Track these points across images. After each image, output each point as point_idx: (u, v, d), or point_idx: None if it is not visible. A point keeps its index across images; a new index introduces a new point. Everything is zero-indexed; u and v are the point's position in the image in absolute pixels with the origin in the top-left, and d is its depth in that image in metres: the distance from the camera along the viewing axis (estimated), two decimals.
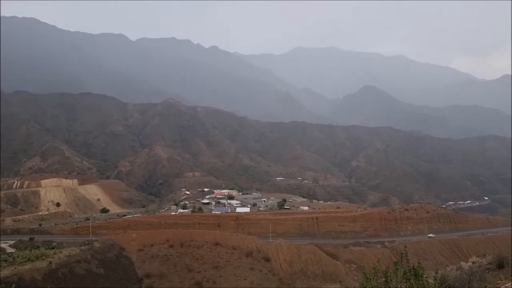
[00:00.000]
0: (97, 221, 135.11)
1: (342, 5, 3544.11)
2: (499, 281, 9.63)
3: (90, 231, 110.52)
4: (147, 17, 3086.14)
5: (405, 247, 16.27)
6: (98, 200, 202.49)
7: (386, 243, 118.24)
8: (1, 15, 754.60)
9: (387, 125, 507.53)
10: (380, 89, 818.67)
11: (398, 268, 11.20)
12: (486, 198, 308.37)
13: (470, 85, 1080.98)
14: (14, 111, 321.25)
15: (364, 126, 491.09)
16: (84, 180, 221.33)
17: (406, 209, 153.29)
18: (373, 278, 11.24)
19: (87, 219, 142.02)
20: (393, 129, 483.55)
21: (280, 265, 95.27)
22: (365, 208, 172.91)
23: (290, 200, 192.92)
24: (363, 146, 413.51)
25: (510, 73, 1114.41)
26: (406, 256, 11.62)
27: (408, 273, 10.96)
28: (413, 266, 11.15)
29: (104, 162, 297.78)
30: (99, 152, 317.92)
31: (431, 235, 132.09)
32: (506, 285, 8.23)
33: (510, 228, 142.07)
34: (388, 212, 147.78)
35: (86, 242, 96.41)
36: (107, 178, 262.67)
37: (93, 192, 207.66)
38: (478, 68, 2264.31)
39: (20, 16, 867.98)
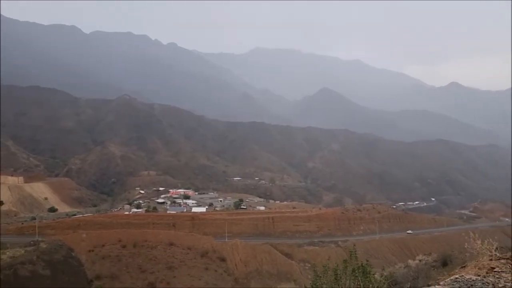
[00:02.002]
0: (44, 221, 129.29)
1: (302, 8, 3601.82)
2: (440, 277, 10.01)
3: (37, 231, 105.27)
4: (102, 9, 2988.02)
5: (354, 245, 16.69)
6: (46, 198, 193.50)
7: (340, 243, 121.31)
8: None
9: (343, 127, 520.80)
10: (337, 92, 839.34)
11: (347, 266, 11.40)
12: (433, 199, 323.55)
13: (420, 91, 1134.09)
14: None
15: (321, 128, 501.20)
16: (31, 178, 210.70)
17: (359, 210, 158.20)
18: (323, 275, 11.38)
19: (33, 218, 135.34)
20: (349, 131, 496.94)
21: (236, 265, 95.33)
22: (320, 209, 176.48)
23: (247, 200, 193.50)
24: (319, 148, 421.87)
25: (458, 81, 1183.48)
26: (355, 254, 11.86)
27: (356, 271, 11.17)
28: (362, 264, 11.39)
29: (53, 159, 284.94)
30: (48, 149, 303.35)
31: (409, 231, 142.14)
32: (446, 280, 8.54)
33: (454, 227, 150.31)
34: (342, 213, 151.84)
35: (32, 242, 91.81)
36: (56, 176, 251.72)
37: (40, 190, 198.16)
38: (428, 75, 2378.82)
39: None
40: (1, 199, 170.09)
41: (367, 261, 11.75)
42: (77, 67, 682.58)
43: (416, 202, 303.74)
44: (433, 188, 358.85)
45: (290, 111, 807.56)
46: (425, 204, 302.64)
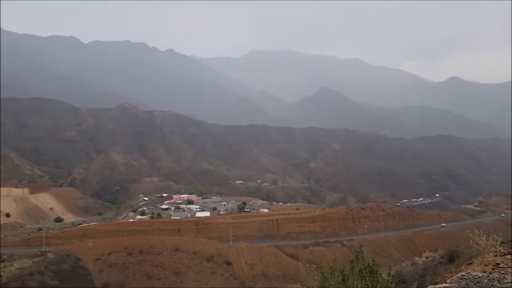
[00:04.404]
0: (50, 231, 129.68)
1: (296, 8, 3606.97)
2: (447, 275, 10.24)
3: (44, 241, 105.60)
4: (99, 19, 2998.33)
5: (360, 245, 16.87)
6: (51, 209, 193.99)
7: (345, 242, 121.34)
8: None
9: (343, 126, 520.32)
10: (336, 91, 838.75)
11: (354, 266, 11.64)
12: (437, 195, 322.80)
13: (420, 87, 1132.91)
14: None
15: (321, 128, 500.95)
16: (35, 189, 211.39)
17: (363, 208, 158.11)
18: (331, 277, 11.62)
19: (40, 229, 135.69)
20: (349, 130, 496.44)
21: (242, 269, 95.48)
22: (323, 209, 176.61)
23: (250, 203, 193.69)
24: (320, 148, 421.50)
25: (457, 76, 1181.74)
26: (362, 254, 12.10)
27: (363, 271, 11.40)
28: (368, 264, 11.62)
29: (56, 169, 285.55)
30: (51, 159, 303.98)
31: (443, 224, 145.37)
32: (453, 277, 8.81)
33: (459, 223, 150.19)
34: (346, 212, 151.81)
35: (39, 253, 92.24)
36: (61, 186, 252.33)
37: (45, 201, 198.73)
38: (427, 70, 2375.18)
39: None
40: (7, 211, 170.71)
41: (374, 260, 12.00)
42: (76, 77, 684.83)
43: (421, 199, 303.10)
44: (437, 184, 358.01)
45: (289, 112, 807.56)
46: (429, 200, 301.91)
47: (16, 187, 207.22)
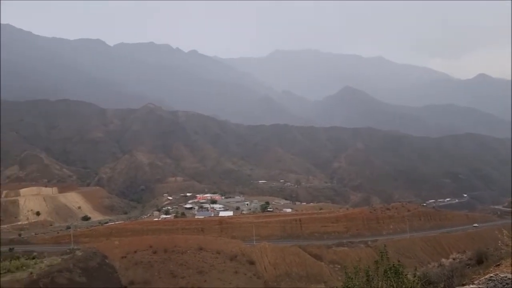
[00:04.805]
0: (78, 229, 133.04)
1: (318, 7, 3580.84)
2: (474, 276, 10.08)
3: (72, 239, 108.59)
4: (124, 21, 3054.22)
5: (385, 245, 16.68)
6: (79, 208, 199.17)
7: (369, 243, 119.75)
8: None
9: (366, 125, 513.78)
10: (359, 90, 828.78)
11: (378, 267, 11.55)
12: (465, 195, 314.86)
13: (446, 85, 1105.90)
14: None
15: (345, 127, 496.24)
16: (64, 188, 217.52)
17: (388, 208, 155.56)
18: (355, 277, 11.57)
19: (68, 227, 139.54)
20: (373, 129, 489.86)
21: (265, 268, 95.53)
22: (347, 209, 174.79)
23: (273, 202, 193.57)
24: (344, 147, 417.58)
25: (486, 73, 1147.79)
26: (386, 254, 11.99)
27: (388, 271, 11.30)
28: (393, 264, 11.51)
29: (84, 169, 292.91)
30: (79, 159, 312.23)
31: (475, 225, 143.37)
32: (480, 279, 8.68)
33: (487, 224, 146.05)
34: (370, 212, 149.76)
35: (68, 251, 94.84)
36: (88, 185, 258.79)
37: (73, 200, 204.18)
38: (454, 68, 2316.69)
39: None
40: (38, 210, 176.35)
41: (399, 261, 11.89)
42: (103, 79, 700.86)
43: (447, 199, 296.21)
44: (464, 183, 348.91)
45: (312, 111, 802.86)
46: (456, 200, 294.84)
47: (46, 186, 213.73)
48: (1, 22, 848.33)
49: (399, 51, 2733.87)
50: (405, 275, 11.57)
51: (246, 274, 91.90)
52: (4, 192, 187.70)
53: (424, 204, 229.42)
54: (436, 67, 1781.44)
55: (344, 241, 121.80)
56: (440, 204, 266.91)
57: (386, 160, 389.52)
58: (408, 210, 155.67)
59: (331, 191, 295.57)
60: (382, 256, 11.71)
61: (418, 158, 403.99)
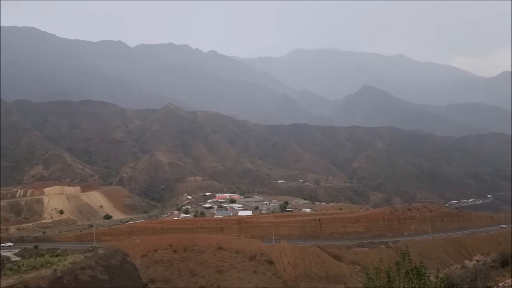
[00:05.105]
0: (100, 228, 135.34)
1: (338, 6, 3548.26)
2: (499, 278, 9.81)
3: (94, 238, 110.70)
4: (145, 23, 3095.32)
5: (406, 246, 16.43)
6: (101, 206, 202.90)
7: (390, 243, 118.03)
8: (1, 25, 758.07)
9: (387, 124, 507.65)
10: (380, 89, 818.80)
11: (400, 268, 11.36)
12: (489, 196, 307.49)
13: (470, 83, 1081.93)
14: (15, 120, 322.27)
15: (365, 127, 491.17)
16: (86, 187, 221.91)
17: (409, 209, 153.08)
18: (376, 278, 11.40)
19: (91, 226, 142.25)
20: (394, 128, 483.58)
21: (284, 268, 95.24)
22: (367, 209, 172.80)
23: (292, 202, 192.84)
24: (364, 147, 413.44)
25: (510, 70, 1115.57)
26: (408, 255, 11.78)
27: (410, 273, 11.10)
28: (415, 266, 11.31)
29: (105, 168, 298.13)
30: (100, 159, 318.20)
31: (503, 225, 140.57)
32: (506, 281, 8.44)
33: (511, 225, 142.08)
34: (391, 212, 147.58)
35: (90, 249, 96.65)
36: (109, 184, 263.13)
37: (95, 199, 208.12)
38: (477, 65, 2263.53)
39: (19, 25, 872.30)
40: (61, 209, 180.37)
41: (421, 262, 11.66)
42: (124, 80, 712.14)
43: (471, 200, 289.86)
44: (488, 184, 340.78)
45: (332, 111, 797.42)
46: (480, 201, 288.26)
47: (69, 185, 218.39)
48: (26, 26, 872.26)
49: (421, 49, 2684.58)
50: (428, 276, 11.33)
51: (265, 274, 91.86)
52: (29, 191, 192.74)
53: (447, 205, 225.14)
54: (459, 65, 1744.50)
55: (365, 241, 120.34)
56: (463, 204, 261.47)
57: (408, 160, 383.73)
58: (430, 211, 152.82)
59: (351, 191, 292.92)
60: (404, 257, 11.51)
61: (441, 158, 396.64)
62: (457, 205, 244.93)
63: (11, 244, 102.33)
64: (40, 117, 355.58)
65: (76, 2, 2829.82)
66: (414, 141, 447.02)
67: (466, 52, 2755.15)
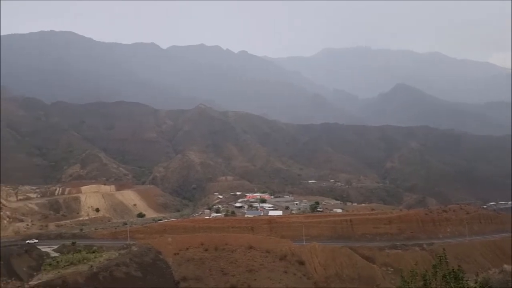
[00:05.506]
0: (134, 226, 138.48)
1: (368, 4, 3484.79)
2: None
3: (128, 235, 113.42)
4: (176, 25, 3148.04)
5: (443, 249, 15.88)
6: (135, 205, 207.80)
7: (425, 246, 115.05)
8: (40, 30, 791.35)
9: (422, 123, 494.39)
10: (414, 87, 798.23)
11: (437, 271, 11.02)
12: None
13: (509, 80, 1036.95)
14: (55, 121, 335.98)
15: (398, 126, 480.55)
16: (121, 186, 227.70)
17: (445, 210, 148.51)
18: (411, 281, 11.11)
19: (125, 224, 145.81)
20: (429, 127, 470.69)
21: (315, 269, 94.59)
22: (401, 210, 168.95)
23: (323, 202, 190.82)
24: (397, 146, 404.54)
25: None
26: (446, 258, 11.42)
27: (447, 276, 10.75)
28: (453, 269, 10.94)
29: (139, 168, 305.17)
30: (134, 159, 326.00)
31: None
32: None
33: None
34: (426, 214, 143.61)
35: (125, 246, 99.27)
36: (143, 183, 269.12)
37: (129, 197, 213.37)
38: None
39: (57, 30, 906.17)
40: (97, 207, 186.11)
41: (459, 266, 11.27)
42: (156, 81, 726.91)
43: (510, 201, 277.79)
44: None
45: (363, 110, 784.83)
46: None
47: (105, 184, 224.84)
48: (64, 30, 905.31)
49: (457, 46, 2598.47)
50: (466, 280, 10.94)
51: (295, 274, 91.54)
52: (67, 190, 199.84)
53: (485, 207, 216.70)
54: (499, 62, 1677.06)
55: (398, 243, 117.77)
56: (502, 206, 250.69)
57: (444, 160, 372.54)
58: (467, 213, 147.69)
59: (383, 191, 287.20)
60: (440, 260, 11.16)
61: (478, 158, 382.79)
62: (495, 207, 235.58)
63: (36, 241, 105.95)
64: (77, 118, 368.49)
65: (110, 5, 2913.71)
66: (450, 140, 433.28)
67: (506, 48, 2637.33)
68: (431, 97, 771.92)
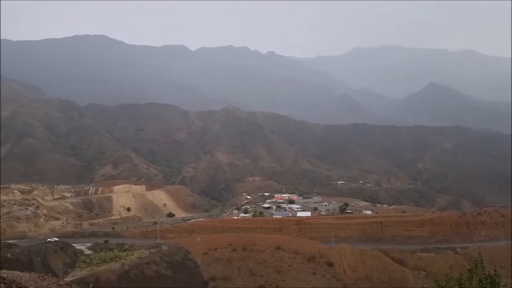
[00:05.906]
0: (164, 225, 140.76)
1: (397, 3, 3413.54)
2: None
3: (158, 234, 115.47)
4: (205, 27, 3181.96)
5: (479, 253, 15.45)
6: (165, 205, 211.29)
7: (458, 249, 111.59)
8: (75, 34, 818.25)
9: (454, 123, 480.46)
10: (446, 86, 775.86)
11: (473, 276, 10.76)
12: None
13: None
14: (88, 123, 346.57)
15: (430, 126, 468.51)
16: (151, 186, 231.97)
17: (479, 213, 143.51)
18: (446, 285, 10.89)
19: (155, 223, 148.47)
20: (462, 127, 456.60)
21: (344, 271, 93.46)
22: (433, 212, 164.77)
23: (352, 204, 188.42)
24: (429, 147, 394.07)
25: None
26: (482, 263, 11.13)
27: (484, 281, 10.48)
28: (489, 274, 10.66)
29: (169, 168, 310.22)
30: (164, 159, 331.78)
31: None
32: None
33: None
34: (459, 216, 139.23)
35: (155, 245, 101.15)
36: (172, 183, 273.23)
37: (159, 197, 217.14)
38: None
39: (91, 34, 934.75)
40: (128, 206, 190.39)
41: (496, 271, 10.97)
42: (185, 82, 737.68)
43: None
44: None
45: (393, 110, 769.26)
46: None
47: (135, 184, 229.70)
48: (97, 34, 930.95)
49: (493, 43, 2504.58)
50: (502, 286, 10.63)
51: (324, 276, 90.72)
52: (99, 189, 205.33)
53: None
54: None
55: (430, 246, 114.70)
56: None
57: (478, 161, 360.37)
58: (503, 216, 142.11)
59: (415, 193, 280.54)
60: (476, 264, 10.88)
61: None
62: None
63: (57, 239, 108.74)
64: (109, 119, 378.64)
65: (141, 8, 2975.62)
66: (484, 140, 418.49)
67: None
68: (464, 96, 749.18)
